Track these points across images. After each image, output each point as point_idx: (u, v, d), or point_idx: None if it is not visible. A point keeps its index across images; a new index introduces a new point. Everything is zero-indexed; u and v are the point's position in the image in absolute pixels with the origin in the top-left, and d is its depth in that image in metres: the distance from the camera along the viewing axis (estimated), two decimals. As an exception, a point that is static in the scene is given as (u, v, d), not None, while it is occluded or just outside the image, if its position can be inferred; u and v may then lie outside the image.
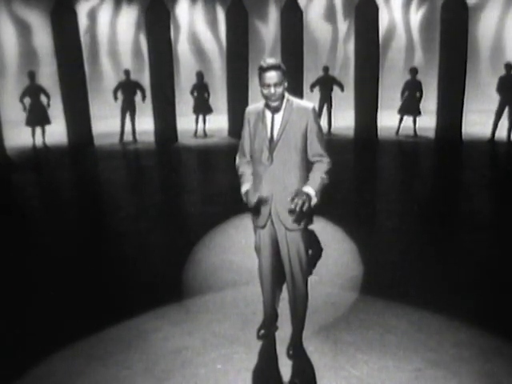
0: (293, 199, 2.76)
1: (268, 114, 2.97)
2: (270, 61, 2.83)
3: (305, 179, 2.95)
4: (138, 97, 11.71)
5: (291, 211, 2.86)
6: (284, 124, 2.91)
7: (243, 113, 3.10)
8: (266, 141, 2.94)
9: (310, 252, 4.05)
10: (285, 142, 2.91)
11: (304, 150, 2.94)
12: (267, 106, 2.94)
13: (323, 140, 2.98)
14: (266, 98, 2.87)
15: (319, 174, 2.92)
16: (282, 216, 2.98)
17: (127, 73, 11.66)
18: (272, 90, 2.82)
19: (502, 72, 10.61)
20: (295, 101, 2.96)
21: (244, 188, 3.06)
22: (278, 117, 2.93)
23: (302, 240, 3.04)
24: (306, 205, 2.76)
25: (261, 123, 2.97)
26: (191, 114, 12.29)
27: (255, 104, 3.08)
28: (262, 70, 2.83)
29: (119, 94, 11.58)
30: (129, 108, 11.62)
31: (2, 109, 10.38)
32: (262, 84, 2.85)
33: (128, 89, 11.59)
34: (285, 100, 2.93)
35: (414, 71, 11.42)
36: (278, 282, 3.44)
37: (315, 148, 2.94)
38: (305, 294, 3.18)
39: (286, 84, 2.89)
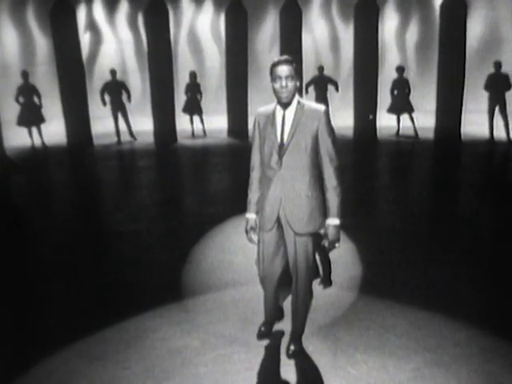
0: (324, 240, 3.02)
1: (278, 116, 2.93)
2: (282, 57, 2.87)
3: (314, 183, 2.93)
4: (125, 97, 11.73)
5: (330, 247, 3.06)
6: (295, 126, 2.87)
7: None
8: (276, 144, 2.91)
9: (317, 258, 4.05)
10: (295, 146, 2.87)
11: (314, 153, 2.89)
12: (278, 102, 2.91)
13: (335, 141, 2.92)
14: (277, 92, 2.85)
15: (334, 193, 2.95)
16: (290, 220, 2.94)
17: (113, 73, 11.64)
18: (283, 82, 2.81)
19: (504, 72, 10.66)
20: (307, 103, 2.93)
21: (247, 215, 3.13)
22: (289, 119, 2.90)
23: (311, 244, 3.02)
24: (337, 243, 3.01)
25: (270, 126, 2.93)
26: (183, 113, 12.30)
27: (265, 106, 3.04)
28: (274, 65, 2.84)
29: (106, 96, 11.54)
30: (119, 108, 11.61)
31: (1, 109, 10.38)
32: (274, 78, 2.84)
33: (114, 89, 11.57)
34: (295, 101, 2.90)
35: (400, 69, 11.43)
36: (282, 283, 3.41)
37: (327, 149, 2.89)
38: (308, 297, 3.17)
39: (298, 84, 2.88)
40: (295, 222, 2.94)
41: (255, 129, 3.05)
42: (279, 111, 2.94)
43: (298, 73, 2.87)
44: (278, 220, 3.00)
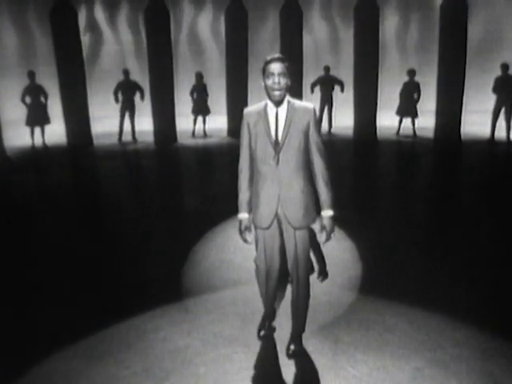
0: (321, 232, 3.07)
1: (271, 113, 2.95)
2: (276, 54, 2.92)
3: (308, 179, 2.99)
4: (137, 96, 11.75)
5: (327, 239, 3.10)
6: (288, 124, 2.91)
7: (243, 113, 3.07)
8: (271, 141, 2.93)
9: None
10: (290, 142, 2.91)
11: (306, 150, 2.96)
12: (270, 99, 2.93)
13: (323, 139, 3.03)
14: (270, 89, 2.87)
15: (327, 187, 2.99)
16: (289, 216, 2.98)
17: (126, 73, 11.67)
18: (276, 78, 2.84)
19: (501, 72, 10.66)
20: (296, 102, 2.98)
21: (240, 215, 3.12)
22: (282, 117, 2.93)
23: (309, 238, 3.08)
24: (333, 230, 3.07)
25: (263, 123, 2.95)
26: (190, 113, 12.31)
27: (254, 105, 3.06)
28: (267, 63, 2.87)
29: (119, 95, 11.59)
30: (128, 108, 11.63)
31: (1, 109, 10.38)
32: (267, 75, 2.87)
33: (127, 89, 11.59)
34: (286, 100, 2.94)
35: (411, 73, 11.45)
36: (278, 283, 3.43)
37: (317, 146, 2.96)
38: (308, 293, 3.19)
39: (289, 83, 2.91)
40: (293, 217, 2.98)
41: (244, 128, 3.04)
42: (271, 109, 2.96)
43: (290, 71, 2.90)
44: (277, 216, 3.02)
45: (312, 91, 11.98)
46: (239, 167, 3.12)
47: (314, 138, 2.94)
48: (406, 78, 11.69)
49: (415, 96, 11.40)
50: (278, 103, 2.92)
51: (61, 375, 3.09)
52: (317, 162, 2.97)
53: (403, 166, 9.69)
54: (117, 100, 11.58)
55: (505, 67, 10.53)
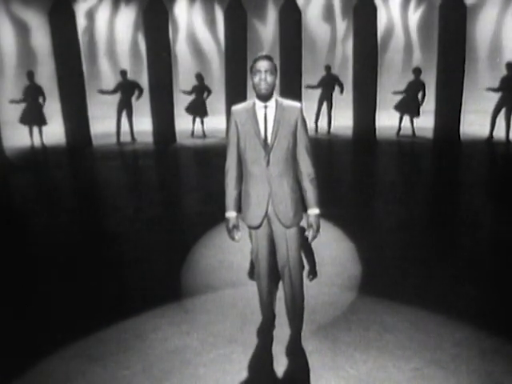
0: (308, 230, 3.08)
1: (259, 113, 2.96)
2: (263, 53, 2.95)
3: (296, 178, 3.03)
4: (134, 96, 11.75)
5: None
6: (277, 124, 2.93)
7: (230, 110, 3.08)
8: (261, 141, 2.94)
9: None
10: (279, 143, 2.93)
11: (295, 149, 2.99)
12: (257, 96, 2.94)
13: (309, 137, 3.06)
14: (257, 85, 2.89)
15: (313, 185, 3.02)
16: (280, 215, 3.00)
17: (124, 73, 11.66)
18: (263, 75, 2.86)
19: (501, 71, 10.66)
20: (284, 101, 3.00)
21: (227, 214, 3.21)
22: (270, 117, 2.94)
23: (300, 236, 3.10)
24: (319, 228, 3.07)
25: (251, 123, 2.96)
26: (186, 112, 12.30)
27: (242, 103, 3.07)
28: (254, 61, 2.91)
29: (118, 94, 11.59)
30: (125, 108, 11.62)
31: (0, 109, 10.37)
32: (254, 72, 2.89)
33: (127, 89, 11.59)
34: (274, 99, 2.96)
35: (417, 71, 11.40)
36: (273, 283, 3.46)
37: (305, 144, 2.99)
38: (302, 292, 3.21)
39: (276, 81, 2.93)
40: (284, 216, 3.00)
41: (232, 126, 3.04)
42: (260, 109, 2.96)
43: (276, 71, 2.93)
44: (267, 216, 3.04)
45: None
46: (226, 165, 3.18)
47: (300, 136, 2.97)
48: (406, 78, 11.68)
49: (419, 95, 11.34)
50: (265, 99, 2.93)
51: (61, 375, 3.09)
52: (303, 160, 3.00)
53: (402, 165, 9.69)
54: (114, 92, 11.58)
55: (510, 66, 10.51)
